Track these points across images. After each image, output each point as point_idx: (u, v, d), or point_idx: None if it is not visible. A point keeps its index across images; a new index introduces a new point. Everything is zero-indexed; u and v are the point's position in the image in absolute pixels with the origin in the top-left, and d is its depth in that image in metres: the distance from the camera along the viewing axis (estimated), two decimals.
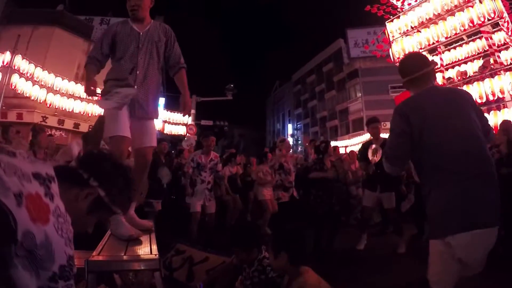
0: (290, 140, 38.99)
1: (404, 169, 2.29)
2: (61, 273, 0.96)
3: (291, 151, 7.27)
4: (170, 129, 16.91)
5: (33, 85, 11.21)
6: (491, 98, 7.51)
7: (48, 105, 11.84)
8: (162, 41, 3.00)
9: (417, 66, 2.25)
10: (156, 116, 3.05)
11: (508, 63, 7.82)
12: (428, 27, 8.69)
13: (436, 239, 2.03)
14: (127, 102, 2.66)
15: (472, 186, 1.91)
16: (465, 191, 1.91)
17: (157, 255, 2.14)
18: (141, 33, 2.92)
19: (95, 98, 2.98)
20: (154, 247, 2.32)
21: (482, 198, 1.92)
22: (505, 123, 5.65)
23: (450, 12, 8.07)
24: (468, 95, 2.28)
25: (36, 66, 11.32)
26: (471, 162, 1.95)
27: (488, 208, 1.93)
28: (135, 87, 2.80)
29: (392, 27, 9.78)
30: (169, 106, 18.30)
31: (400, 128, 2.13)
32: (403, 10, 9.49)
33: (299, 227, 2.64)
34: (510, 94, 7.46)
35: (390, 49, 10.02)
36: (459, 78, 8.47)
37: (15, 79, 10.68)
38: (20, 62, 10.78)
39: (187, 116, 17.33)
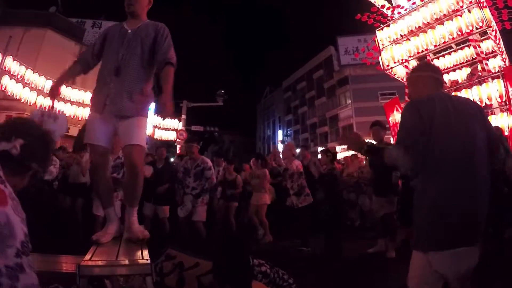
0: (280, 146, 39.00)
1: (410, 168, 2.11)
2: (22, 249, 1.06)
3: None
4: (160, 135, 16.74)
5: (23, 87, 11.09)
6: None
7: (38, 108, 11.66)
8: (149, 36, 2.79)
9: (439, 72, 2.33)
10: (135, 113, 2.71)
11: (496, 71, 7.96)
12: (418, 35, 8.78)
13: (418, 251, 1.96)
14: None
15: (461, 200, 1.85)
16: (453, 205, 1.84)
17: (149, 260, 2.14)
18: (129, 31, 2.82)
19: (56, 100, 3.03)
20: (146, 252, 2.32)
21: (469, 213, 1.86)
22: None
23: (439, 21, 8.17)
24: (476, 105, 2.23)
25: (27, 68, 11.19)
26: (466, 175, 1.88)
27: (474, 225, 1.88)
28: (112, 84, 2.66)
29: (382, 35, 9.86)
30: (159, 111, 18.19)
31: (414, 121, 1.98)
32: (393, 18, 9.58)
33: (243, 254, 2.35)
34: (497, 101, 7.60)
35: (379, 57, 10.09)
36: (449, 86, 8.62)
37: (6, 80, 10.56)
38: (11, 63, 10.66)
39: (177, 121, 17.21)
